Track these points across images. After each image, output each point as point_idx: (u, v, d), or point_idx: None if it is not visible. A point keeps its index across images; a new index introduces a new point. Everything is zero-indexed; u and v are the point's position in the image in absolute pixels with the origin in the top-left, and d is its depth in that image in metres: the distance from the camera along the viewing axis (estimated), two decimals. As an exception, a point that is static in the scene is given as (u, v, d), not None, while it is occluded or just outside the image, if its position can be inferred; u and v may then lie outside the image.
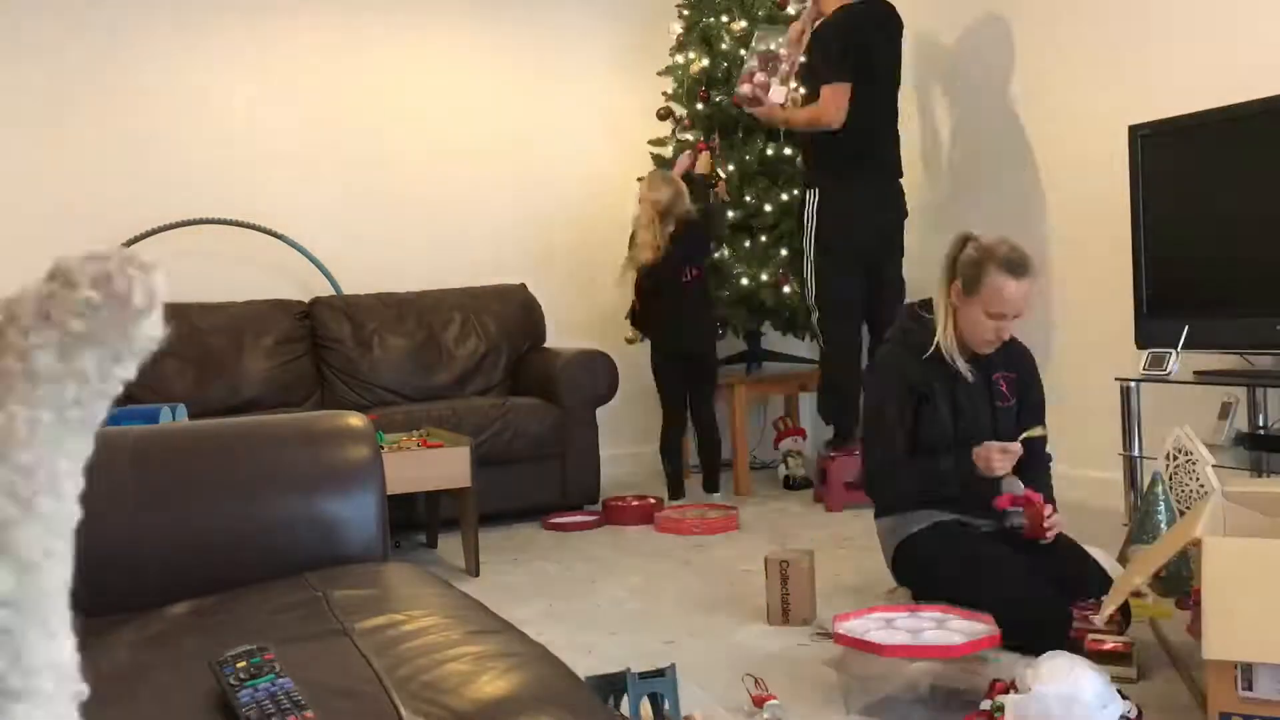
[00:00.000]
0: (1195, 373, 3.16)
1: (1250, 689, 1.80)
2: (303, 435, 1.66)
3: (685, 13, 4.75)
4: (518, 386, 4.44)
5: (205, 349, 4.09)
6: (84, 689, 0.92)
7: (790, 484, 4.49)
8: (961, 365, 2.57)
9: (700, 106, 4.62)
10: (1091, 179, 3.84)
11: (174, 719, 1.03)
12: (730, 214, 4.49)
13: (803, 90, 4.25)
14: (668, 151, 4.74)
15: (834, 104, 3.94)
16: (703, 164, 4.38)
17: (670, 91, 4.77)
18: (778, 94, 4.02)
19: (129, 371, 0.62)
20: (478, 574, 3.32)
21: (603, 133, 5.13)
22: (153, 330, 0.60)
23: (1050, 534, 2.46)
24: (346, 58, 4.77)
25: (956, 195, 4.54)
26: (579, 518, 4.01)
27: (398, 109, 4.85)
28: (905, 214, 4.14)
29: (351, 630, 1.24)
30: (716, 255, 4.49)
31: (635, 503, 4.12)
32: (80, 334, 0.59)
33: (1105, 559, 2.56)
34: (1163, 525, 2.72)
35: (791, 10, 4.62)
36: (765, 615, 2.70)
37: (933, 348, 2.57)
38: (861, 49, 3.96)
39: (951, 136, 4.55)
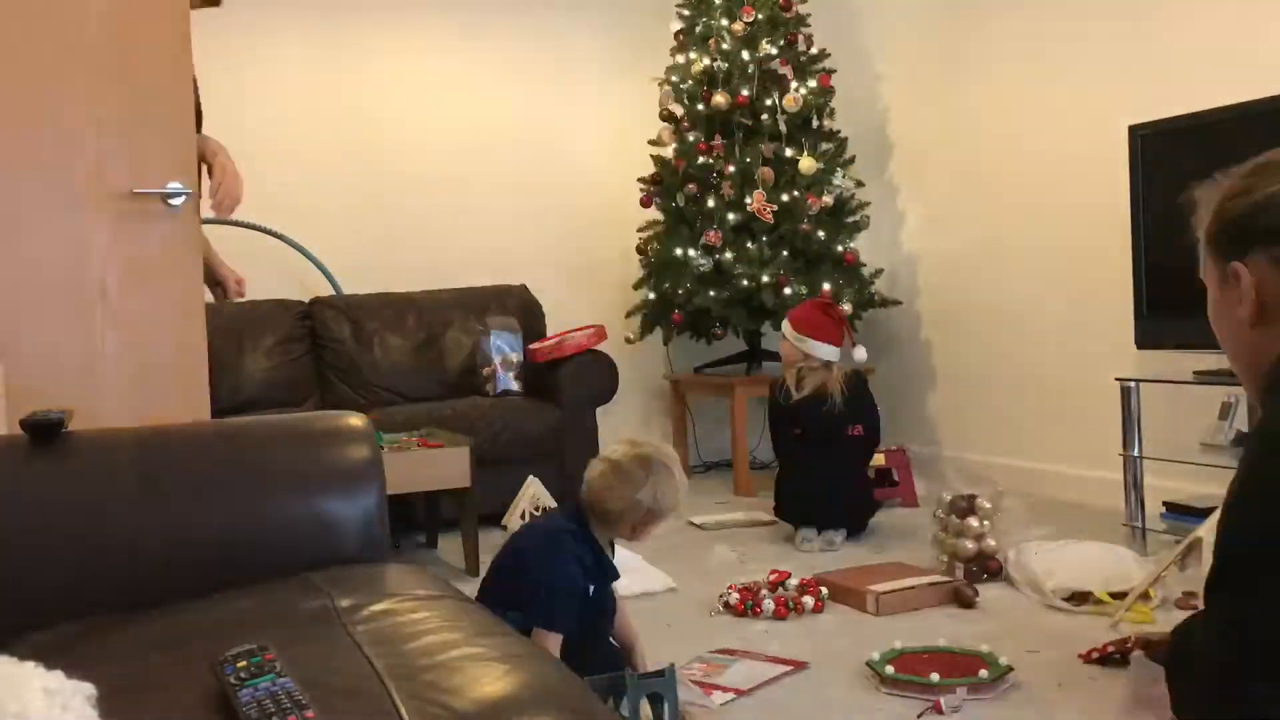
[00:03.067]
0: (1195, 373, 3.16)
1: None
2: (303, 435, 1.66)
3: (685, 13, 4.75)
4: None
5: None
6: (91, 688, 0.92)
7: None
8: None
9: (701, 107, 4.61)
10: (1091, 179, 3.84)
11: (174, 719, 1.03)
12: (731, 215, 4.49)
13: None
14: (668, 152, 4.74)
15: None
16: None
17: (670, 90, 4.76)
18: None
19: None
20: (477, 574, 3.31)
21: (603, 133, 5.13)
22: None
23: None
24: (347, 58, 4.77)
25: (956, 196, 4.54)
26: None
27: (398, 109, 4.85)
28: None
29: (352, 630, 1.24)
30: (717, 257, 4.49)
31: None
32: None
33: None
34: None
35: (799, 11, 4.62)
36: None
37: None
38: None
39: (951, 137, 4.55)
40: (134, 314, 2.37)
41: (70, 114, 2.33)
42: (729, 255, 4.46)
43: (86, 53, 2.34)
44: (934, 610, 2.75)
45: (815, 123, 4.65)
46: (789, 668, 2.33)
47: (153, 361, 2.38)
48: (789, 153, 4.53)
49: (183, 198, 2.41)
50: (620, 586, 3.00)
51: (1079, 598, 2.66)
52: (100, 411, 2.27)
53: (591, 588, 2.09)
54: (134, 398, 2.34)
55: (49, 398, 2.19)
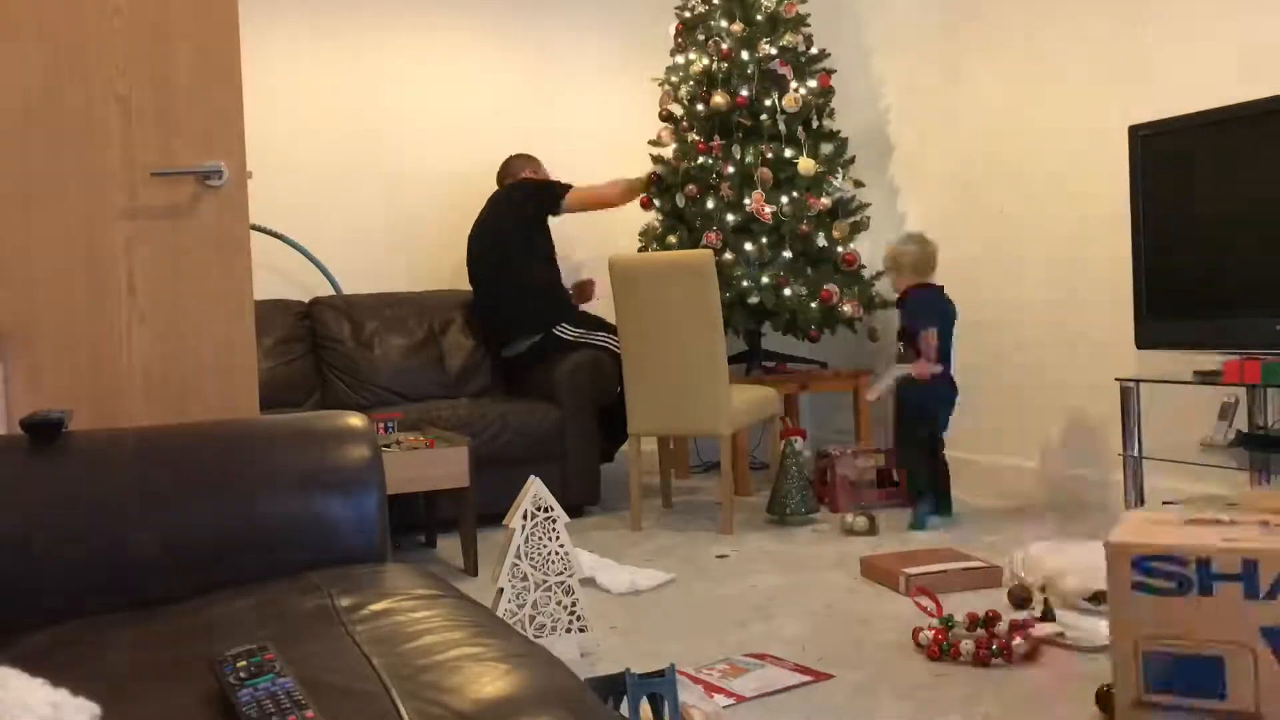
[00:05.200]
0: (1195, 373, 3.16)
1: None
2: (303, 435, 1.66)
3: (686, 15, 4.75)
4: (517, 387, 4.44)
5: (205, 349, 4.09)
6: (96, 709, 0.92)
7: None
8: None
9: (701, 107, 4.61)
10: (1091, 179, 3.84)
11: (174, 719, 1.03)
12: (730, 216, 4.49)
13: None
14: (668, 152, 4.73)
15: None
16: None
17: (669, 91, 4.76)
18: None
19: None
20: (476, 574, 3.32)
21: (602, 134, 5.13)
22: None
23: None
24: (347, 58, 4.77)
25: (957, 197, 4.54)
26: None
27: (398, 110, 4.85)
28: None
29: (352, 630, 1.24)
30: (717, 258, 4.48)
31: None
32: None
33: None
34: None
35: (801, 11, 4.62)
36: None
37: None
38: None
39: (952, 137, 4.55)
40: (166, 308, 2.13)
41: (91, 80, 2.06)
42: (728, 256, 4.46)
43: (114, 13, 2.08)
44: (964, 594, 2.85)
45: (815, 123, 4.66)
46: (809, 678, 2.31)
47: (190, 361, 2.15)
48: (788, 153, 4.53)
49: (223, 178, 2.14)
50: (615, 584, 3.02)
51: (1099, 597, 2.64)
52: (122, 414, 2.09)
53: None
54: (165, 400, 2.13)
55: (62, 397, 2.03)
